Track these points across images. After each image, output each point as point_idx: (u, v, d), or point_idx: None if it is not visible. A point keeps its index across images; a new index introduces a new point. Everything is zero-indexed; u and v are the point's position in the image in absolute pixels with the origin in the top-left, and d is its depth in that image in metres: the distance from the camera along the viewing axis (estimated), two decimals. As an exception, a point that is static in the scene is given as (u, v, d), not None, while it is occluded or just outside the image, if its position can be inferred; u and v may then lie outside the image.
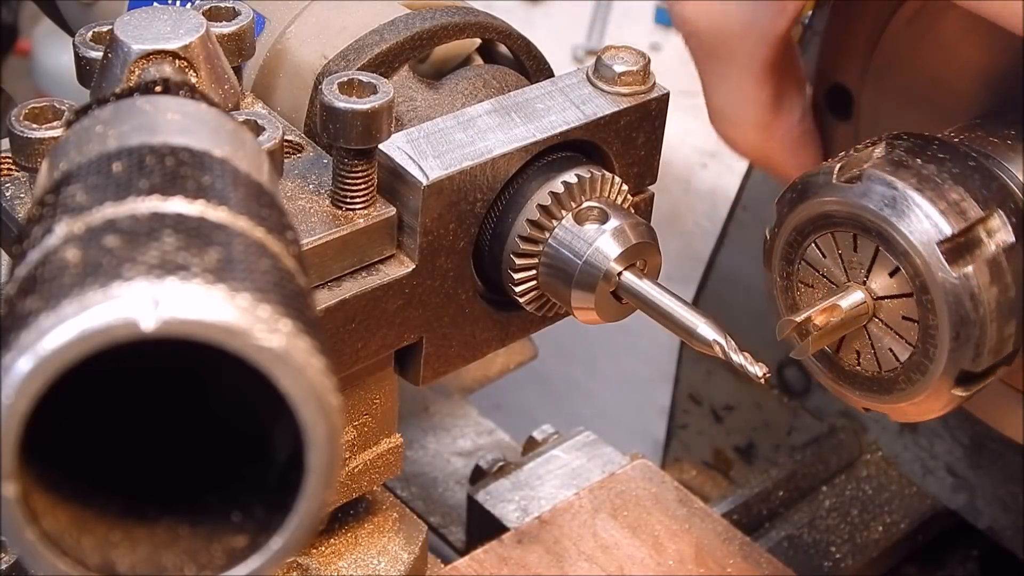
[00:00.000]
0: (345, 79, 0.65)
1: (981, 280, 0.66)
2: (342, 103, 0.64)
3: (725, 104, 0.78)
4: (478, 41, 0.79)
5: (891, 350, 0.70)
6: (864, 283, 0.70)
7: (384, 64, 0.74)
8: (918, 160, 0.67)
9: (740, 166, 1.15)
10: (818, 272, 0.71)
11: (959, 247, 0.66)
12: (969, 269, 0.66)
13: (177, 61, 0.61)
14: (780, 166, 0.82)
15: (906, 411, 0.72)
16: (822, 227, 0.70)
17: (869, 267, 0.69)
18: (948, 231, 0.65)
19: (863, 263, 0.69)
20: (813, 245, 0.71)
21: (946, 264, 0.66)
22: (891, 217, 0.66)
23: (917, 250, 0.66)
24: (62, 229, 0.42)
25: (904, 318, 0.69)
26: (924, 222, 0.66)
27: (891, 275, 0.68)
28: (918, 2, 0.77)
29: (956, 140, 0.71)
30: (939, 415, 0.70)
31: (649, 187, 0.78)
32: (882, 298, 0.69)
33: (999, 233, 0.67)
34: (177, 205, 0.43)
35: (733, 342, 0.67)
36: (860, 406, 0.74)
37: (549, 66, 0.80)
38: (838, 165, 0.68)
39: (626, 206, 0.72)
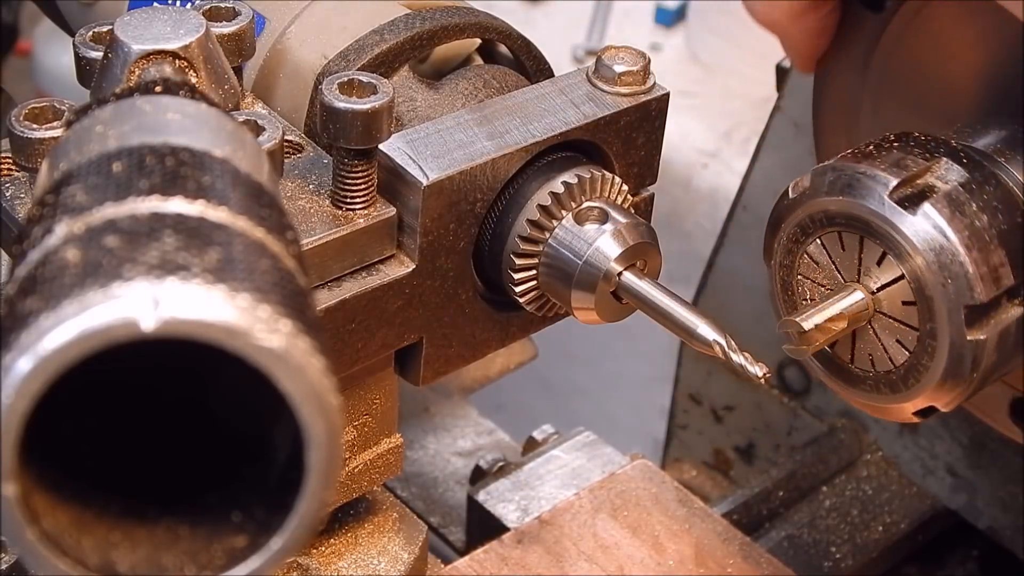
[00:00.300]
0: (345, 79, 0.65)
1: (988, 347, 0.67)
2: (342, 103, 0.64)
3: None
4: (478, 41, 0.79)
5: (871, 356, 0.71)
6: (873, 293, 0.70)
7: (384, 64, 0.74)
8: (975, 205, 0.67)
9: (740, 166, 1.15)
10: (831, 258, 0.71)
11: (983, 313, 0.66)
12: (982, 337, 0.67)
13: (177, 61, 0.61)
14: (792, 42, 0.82)
15: (855, 403, 0.73)
16: (856, 228, 0.69)
17: (885, 284, 0.69)
18: (980, 299, 0.66)
19: (880, 278, 0.69)
20: (837, 235, 0.70)
21: (965, 328, 0.66)
22: (933, 264, 0.66)
23: (943, 305, 0.66)
24: (62, 229, 0.42)
25: (898, 342, 0.69)
26: (961, 281, 0.66)
27: (904, 304, 0.68)
28: (920, 1, 0.77)
29: (1000, 164, 0.70)
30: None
31: (649, 187, 0.78)
32: (884, 314, 0.70)
33: (1019, 300, 0.68)
34: (177, 205, 0.43)
35: (733, 342, 0.67)
36: (817, 378, 0.75)
37: (549, 66, 0.80)
38: (894, 181, 0.67)
39: (626, 206, 0.72)
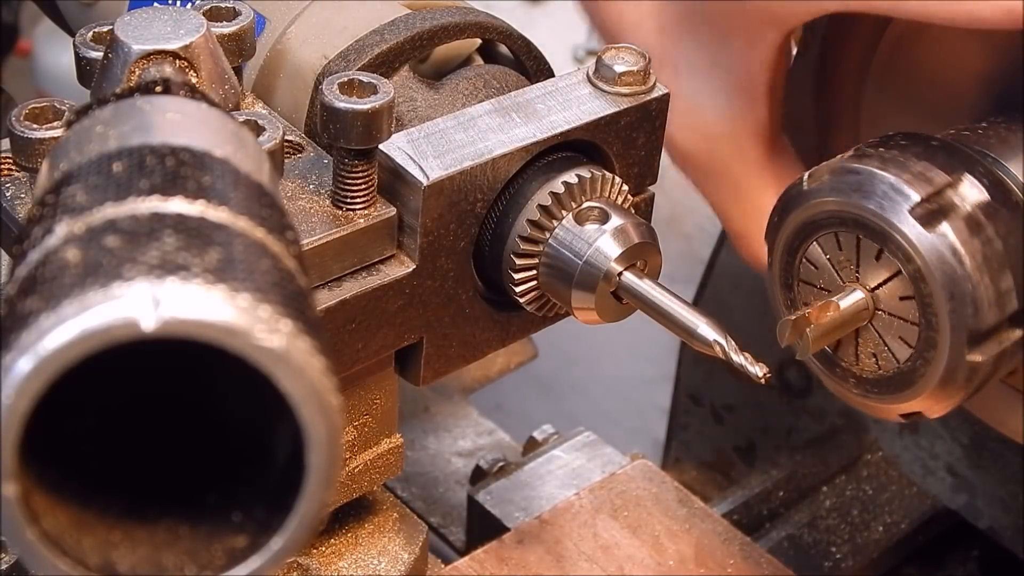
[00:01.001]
0: (345, 79, 0.65)
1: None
2: (342, 103, 0.64)
3: (742, 222, 0.77)
4: (478, 41, 0.79)
5: (875, 355, 0.71)
6: (871, 291, 0.70)
7: (384, 64, 0.74)
8: (991, 229, 0.67)
9: (740, 166, 1.15)
10: (833, 258, 0.71)
11: (985, 337, 0.67)
12: (980, 359, 0.67)
13: (177, 61, 0.61)
14: None
15: (847, 398, 0.73)
16: (870, 236, 0.69)
17: (889, 291, 0.69)
18: (984, 325, 0.66)
19: (885, 285, 0.69)
20: (838, 236, 0.70)
21: (965, 349, 0.66)
22: (942, 284, 0.66)
23: (946, 325, 0.66)
24: (62, 229, 0.42)
25: (898, 342, 0.70)
26: (968, 306, 0.66)
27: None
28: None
29: (1004, 168, 0.71)
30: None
31: (649, 187, 0.78)
32: (884, 312, 0.70)
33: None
34: (177, 205, 0.43)
35: (733, 342, 0.67)
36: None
37: (549, 66, 0.80)
38: (916, 197, 0.67)
39: (626, 206, 0.72)
